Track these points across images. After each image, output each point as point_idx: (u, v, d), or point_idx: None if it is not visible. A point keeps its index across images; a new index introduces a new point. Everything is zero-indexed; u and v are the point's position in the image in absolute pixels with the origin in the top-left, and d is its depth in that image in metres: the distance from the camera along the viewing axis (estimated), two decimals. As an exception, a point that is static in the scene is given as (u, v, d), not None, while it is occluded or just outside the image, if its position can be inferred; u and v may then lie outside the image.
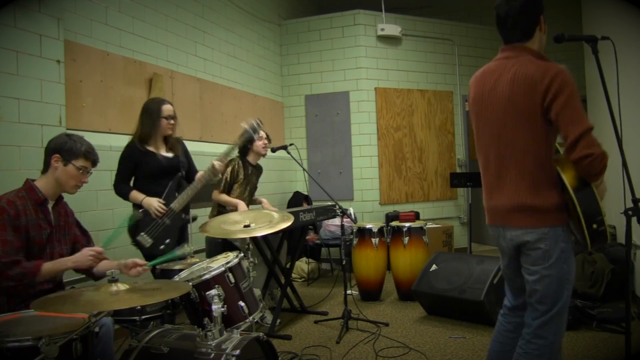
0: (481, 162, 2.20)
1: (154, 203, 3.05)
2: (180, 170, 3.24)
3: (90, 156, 2.34)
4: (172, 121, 3.20)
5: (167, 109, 3.18)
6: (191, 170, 3.39)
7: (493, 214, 2.15)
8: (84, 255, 2.25)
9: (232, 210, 3.80)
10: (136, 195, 3.09)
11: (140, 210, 3.07)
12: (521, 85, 1.93)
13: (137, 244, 3.01)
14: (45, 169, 2.33)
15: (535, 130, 1.95)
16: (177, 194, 3.15)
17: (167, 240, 3.06)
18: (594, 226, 1.89)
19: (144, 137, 3.14)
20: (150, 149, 3.16)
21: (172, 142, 3.27)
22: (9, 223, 2.14)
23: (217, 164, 3.19)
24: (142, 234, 3.00)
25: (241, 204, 3.88)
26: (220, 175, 3.35)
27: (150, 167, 3.13)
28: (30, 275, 2.12)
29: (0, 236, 2.10)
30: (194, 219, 3.31)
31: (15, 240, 2.14)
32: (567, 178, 1.93)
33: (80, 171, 2.31)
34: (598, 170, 1.85)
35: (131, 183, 3.20)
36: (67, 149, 2.29)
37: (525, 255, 2.05)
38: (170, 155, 3.23)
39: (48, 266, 2.17)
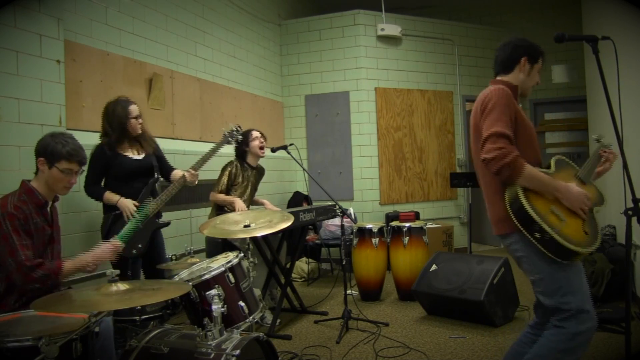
0: None
1: (130, 205, 3.00)
2: (154, 173, 3.19)
3: (74, 157, 2.28)
4: (140, 120, 3.15)
5: (134, 109, 3.13)
6: (165, 169, 3.34)
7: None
8: (103, 250, 2.28)
9: (231, 211, 3.80)
10: (110, 196, 3.03)
11: (114, 213, 3.04)
12: (476, 106, 2.18)
13: None
14: (36, 171, 2.33)
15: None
16: (151, 198, 3.10)
17: (139, 245, 3.01)
18: (537, 235, 1.95)
19: (115, 140, 3.07)
20: (120, 151, 3.10)
21: (144, 141, 3.20)
22: (20, 228, 2.15)
23: (187, 174, 3.19)
24: (115, 237, 2.93)
25: (237, 201, 3.88)
26: (195, 183, 3.28)
27: (121, 168, 3.07)
28: (54, 276, 2.15)
29: (19, 241, 2.12)
30: (168, 224, 3.28)
31: (30, 244, 2.16)
32: (508, 192, 2.05)
33: (64, 173, 2.27)
34: (494, 171, 1.99)
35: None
36: (49, 152, 2.26)
37: (519, 265, 2.19)
38: (140, 157, 3.16)
39: (69, 264, 2.20)
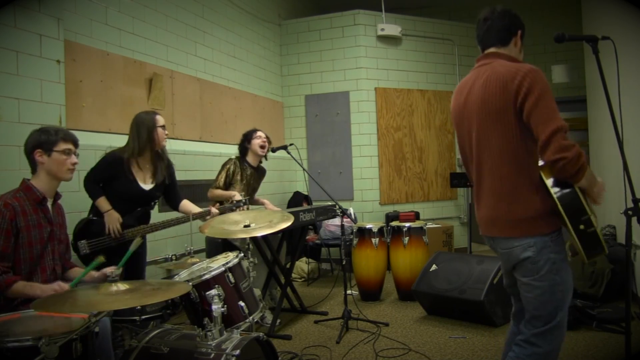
0: (467, 174, 2.21)
1: (115, 222, 2.99)
2: (150, 204, 3.20)
3: (69, 137, 2.35)
4: (166, 131, 3.17)
5: (160, 118, 3.15)
6: (173, 194, 3.33)
7: (482, 225, 2.11)
8: (50, 288, 2.16)
9: (231, 210, 3.79)
10: (104, 203, 3.01)
11: (89, 218, 3.03)
12: (492, 87, 1.91)
13: (75, 247, 2.95)
14: (33, 169, 2.33)
15: (509, 131, 1.89)
16: (137, 224, 3.08)
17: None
18: (581, 227, 1.79)
19: (141, 148, 3.06)
20: (135, 171, 3.07)
21: (161, 162, 3.18)
22: (1, 227, 2.13)
23: (214, 211, 3.20)
24: (83, 241, 2.94)
25: (236, 194, 3.83)
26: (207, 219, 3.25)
27: (125, 190, 3.05)
28: None
29: None
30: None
31: (1, 245, 2.13)
32: (547, 176, 1.85)
33: (65, 154, 2.32)
34: (573, 172, 1.76)
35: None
36: (44, 141, 2.29)
37: (517, 266, 2.00)
38: (148, 186, 3.14)
39: (20, 286, 2.11)
